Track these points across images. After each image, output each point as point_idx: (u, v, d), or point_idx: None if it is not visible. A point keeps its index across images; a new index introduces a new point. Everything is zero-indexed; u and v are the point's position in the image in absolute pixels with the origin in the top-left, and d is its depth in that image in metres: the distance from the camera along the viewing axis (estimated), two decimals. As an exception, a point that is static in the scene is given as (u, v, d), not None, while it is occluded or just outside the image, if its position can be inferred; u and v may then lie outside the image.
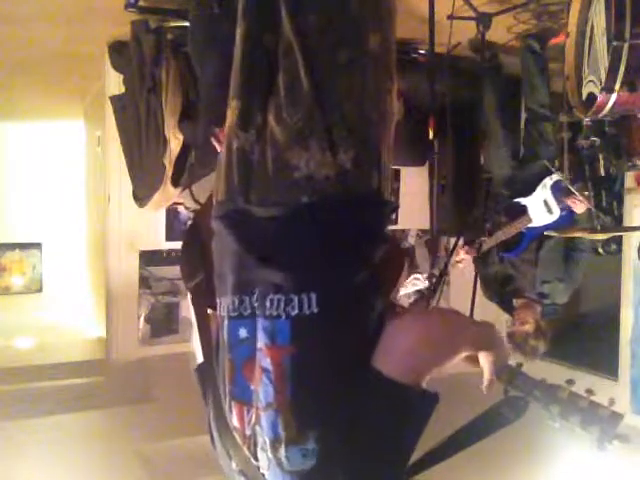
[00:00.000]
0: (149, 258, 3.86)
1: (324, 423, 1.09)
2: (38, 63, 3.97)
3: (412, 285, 3.35)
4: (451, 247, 3.35)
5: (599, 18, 2.16)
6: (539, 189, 3.14)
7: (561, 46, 2.53)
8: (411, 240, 4.54)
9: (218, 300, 1.25)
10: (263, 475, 1.16)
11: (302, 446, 1.08)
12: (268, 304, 1.14)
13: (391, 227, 4.50)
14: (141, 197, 3.57)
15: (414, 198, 4.48)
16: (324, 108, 1.19)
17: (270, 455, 1.12)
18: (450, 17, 2.76)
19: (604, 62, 2.10)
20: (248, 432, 1.17)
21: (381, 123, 1.27)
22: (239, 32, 1.30)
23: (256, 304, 1.17)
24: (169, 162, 3.26)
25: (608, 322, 3.88)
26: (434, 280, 3.00)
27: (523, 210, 3.19)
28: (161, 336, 3.88)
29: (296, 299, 1.12)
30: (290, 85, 1.21)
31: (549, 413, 1.16)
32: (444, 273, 2.94)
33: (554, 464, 2.88)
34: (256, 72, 1.27)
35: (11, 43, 3.53)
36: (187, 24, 2.75)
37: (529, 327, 3.10)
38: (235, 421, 1.20)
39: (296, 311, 1.12)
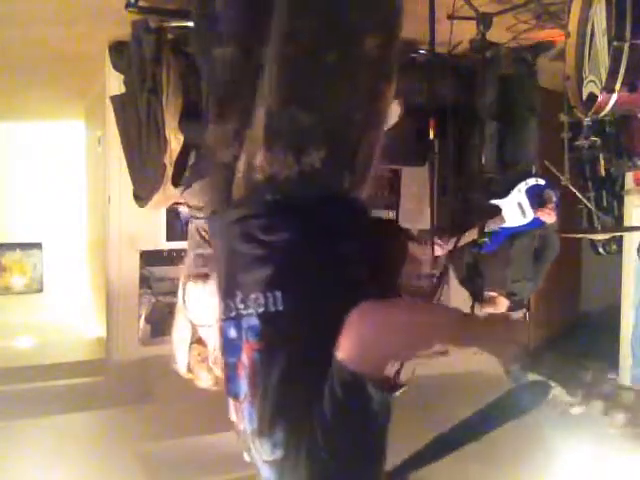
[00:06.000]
0: (149, 258, 3.86)
1: (290, 414, 1.10)
2: (38, 63, 3.96)
3: None
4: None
5: (599, 18, 2.16)
6: (514, 192, 3.30)
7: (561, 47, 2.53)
8: (411, 240, 4.54)
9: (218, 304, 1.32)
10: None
11: (271, 437, 1.11)
12: (243, 304, 1.21)
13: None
14: (142, 197, 3.57)
15: (414, 198, 4.49)
16: (296, 107, 1.21)
17: (252, 446, 1.17)
18: (450, 17, 2.76)
19: (604, 62, 2.10)
20: (241, 427, 1.23)
21: (367, 125, 1.27)
22: (225, 53, 1.35)
23: (241, 305, 1.22)
24: (170, 162, 3.26)
25: (608, 322, 3.88)
26: (435, 280, 3.01)
27: (496, 210, 3.33)
28: (161, 336, 3.87)
29: (262, 297, 1.17)
30: (262, 88, 1.24)
31: (570, 399, 1.10)
32: (444, 273, 2.95)
33: (555, 459, 2.89)
34: (246, 92, 1.30)
35: (11, 43, 3.53)
36: (188, 24, 2.75)
37: None
38: (233, 416, 1.27)
39: (263, 309, 1.17)
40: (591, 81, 2.24)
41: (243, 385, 1.20)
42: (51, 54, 3.75)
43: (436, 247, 3.45)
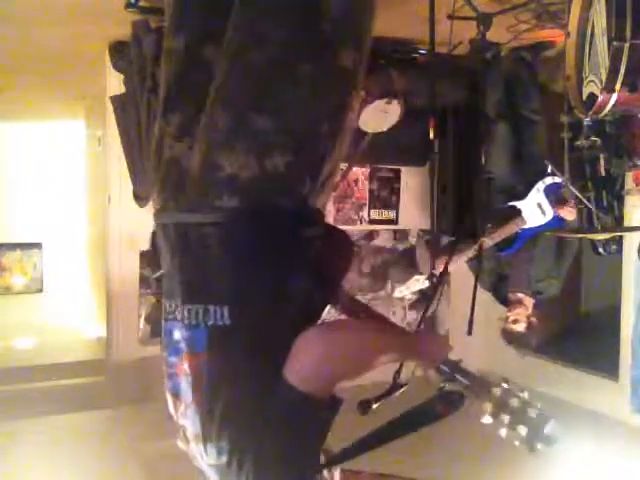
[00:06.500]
0: (149, 258, 3.86)
1: (235, 424, 1.15)
2: (38, 63, 3.97)
3: (413, 285, 3.35)
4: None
5: (600, 18, 2.16)
6: (533, 192, 3.29)
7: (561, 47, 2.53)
8: (411, 240, 4.54)
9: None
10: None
11: (216, 444, 1.16)
12: (186, 313, 1.21)
13: (391, 227, 4.51)
14: (142, 197, 3.57)
15: (414, 198, 4.49)
16: (261, 113, 1.18)
17: (195, 447, 1.22)
18: (450, 17, 2.75)
19: (605, 62, 2.09)
20: (180, 422, 1.27)
21: (332, 136, 1.25)
22: (175, 46, 1.33)
23: (186, 313, 1.22)
24: (169, 162, 3.25)
25: (608, 322, 3.88)
26: (434, 280, 3.01)
27: (516, 212, 3.29)
28: (161, 336, 3.87)
29: (212, 309, 1.17)
30: (224, 87, 1.22)
31: (481, 410, 1.18)
32: (444, 273, 2.94)
33: (553, 462, 2.88)
34: (195, 84, 1.29)
35: (11, 43, 3.53)
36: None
37: (520, 327, 3.31)
38: (172, 410, 1.30)
39: (212, 321, 1.17)
40: (591, 81, 2.24)
41: (183, 386, 1.22)
42: (51, 54, 3.75)
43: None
